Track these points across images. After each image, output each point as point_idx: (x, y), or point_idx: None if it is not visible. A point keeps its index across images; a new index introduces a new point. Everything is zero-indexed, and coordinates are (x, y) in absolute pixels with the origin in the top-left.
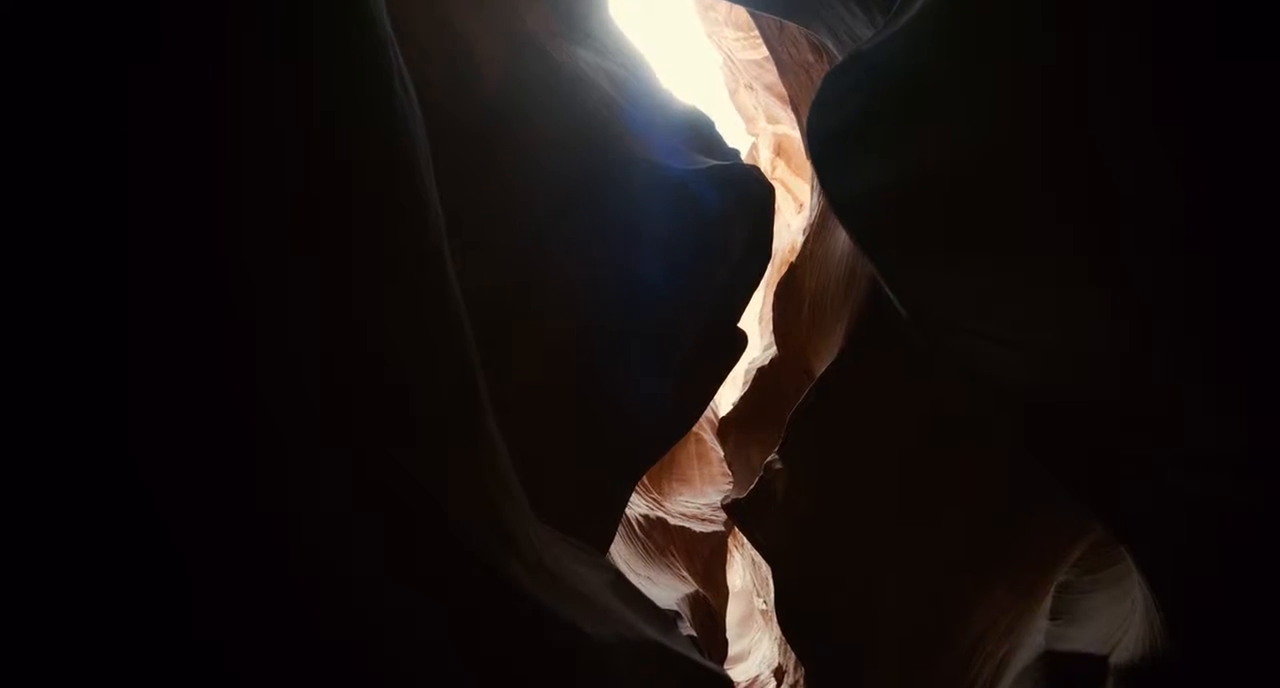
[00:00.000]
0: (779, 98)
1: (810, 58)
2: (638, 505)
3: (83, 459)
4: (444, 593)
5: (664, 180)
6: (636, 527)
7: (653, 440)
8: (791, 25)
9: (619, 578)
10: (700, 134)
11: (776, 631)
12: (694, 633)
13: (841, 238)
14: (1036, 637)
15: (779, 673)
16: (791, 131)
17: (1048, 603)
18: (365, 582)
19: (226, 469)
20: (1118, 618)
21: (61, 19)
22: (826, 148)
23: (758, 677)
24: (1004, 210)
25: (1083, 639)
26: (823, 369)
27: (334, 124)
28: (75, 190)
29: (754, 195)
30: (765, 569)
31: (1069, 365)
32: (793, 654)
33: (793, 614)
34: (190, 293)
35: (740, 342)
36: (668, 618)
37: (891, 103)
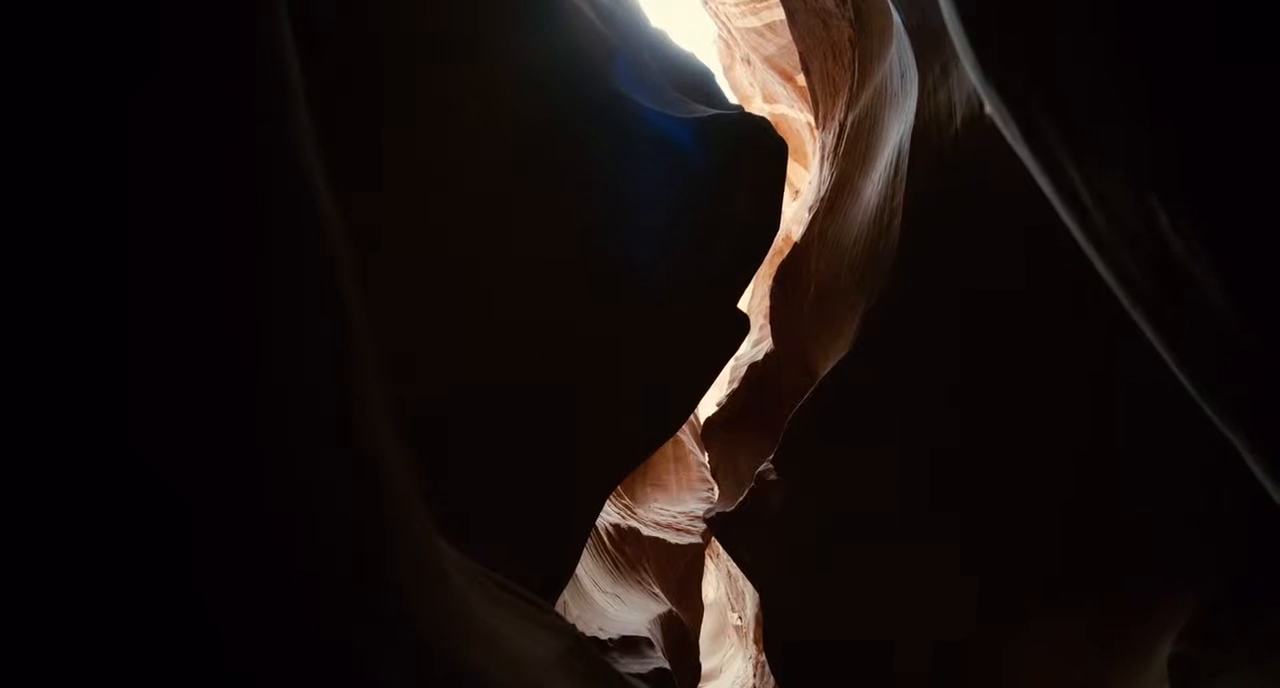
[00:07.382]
0: (779, 72)
1: (829, 4)
2: (608, 514)
3: (83, 453)
4: None
5: (655, 129)
6: (606, 538)
7: (635, 441)
8: None
9: (576, 645)
10: (698, 83)
11: (751, 650)
12: (666, 664)
13: (859, 214)
14: None
15: None
16: (790, 111)
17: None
18: None
19: (232, 464)
20: None
21: (61, 24)
22: None
23: None
24: None
25: None
26: (829, 367)
27: None
28: (76, 188)
29: (763, 150)
30: (741, 581)
31: None
32: (770, 677)
33: (785, 649)
34: (189, 287)
35: (741, 326)
36: None
37: None
